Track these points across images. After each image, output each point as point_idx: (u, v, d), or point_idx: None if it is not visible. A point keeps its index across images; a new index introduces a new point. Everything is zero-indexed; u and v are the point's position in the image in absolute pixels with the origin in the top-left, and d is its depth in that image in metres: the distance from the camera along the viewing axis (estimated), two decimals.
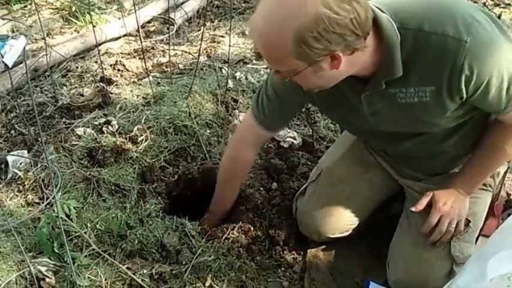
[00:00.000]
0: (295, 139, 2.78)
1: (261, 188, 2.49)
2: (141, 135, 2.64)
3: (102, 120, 2.73)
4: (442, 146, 1.83)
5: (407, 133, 1.80)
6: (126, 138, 2.62)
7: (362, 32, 1.38)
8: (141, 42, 2.96)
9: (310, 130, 2.81)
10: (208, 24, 3.96)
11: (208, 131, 2.77)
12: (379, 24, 1.46)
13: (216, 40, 3.66)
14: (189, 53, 3.45)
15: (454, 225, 1.86)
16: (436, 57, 1.48)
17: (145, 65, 3.21)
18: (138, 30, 3.24)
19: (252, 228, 2.26)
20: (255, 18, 1.40)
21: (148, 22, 4.01)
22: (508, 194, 2.33)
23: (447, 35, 1.45)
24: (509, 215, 2.12)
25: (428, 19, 1.48)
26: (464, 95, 1.53)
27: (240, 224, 2.26)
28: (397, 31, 1.47)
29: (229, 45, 2.88)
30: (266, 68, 3.30)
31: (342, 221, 2.12)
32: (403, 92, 1.58)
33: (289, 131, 2.79)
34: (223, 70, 3.25)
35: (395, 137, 1.83)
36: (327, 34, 1.34)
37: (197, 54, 3.14)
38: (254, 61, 3.42)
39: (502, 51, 1.48)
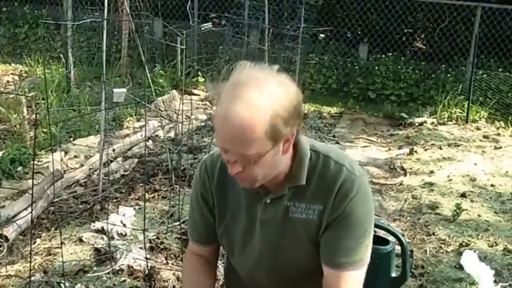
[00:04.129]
0: None
1: None
2: None
3: None
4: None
5: (276, 264, 1.83)
6: None
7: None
8: None
9: None
10: (43, 234, 3.80)
11: None
12: (297, 140, 1.69)
13: (52, 252, 3.49)
14: (20, 276, 3.23)
15: None
16: (330, 180, 1.69)
17: None
18: None
19: None
20: (231, 104, 1.51)
21: None
22: None
23: (343, 165, 1.71)
24: None
25: (333, 152, 1.76)
26: (332, 218, 1.69)
27: None
28: (308, 150, 1.73)
29: (63, 262, 2.75)
30: (108, 273, 3.19)
31: None
32: (296, 206, 1.73)
33: None
34: (61, 285, 3.08)
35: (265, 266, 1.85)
36: (295, 111, 1.57)
37: (31, 273, 2.95)
38: (95, 268, 3.29)
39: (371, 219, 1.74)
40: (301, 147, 1.72)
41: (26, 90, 7.48)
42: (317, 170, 1.72)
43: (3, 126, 6.17)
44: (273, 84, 1.54)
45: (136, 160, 5.40)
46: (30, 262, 2.89)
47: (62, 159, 5.16)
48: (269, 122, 1.51)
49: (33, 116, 6.04)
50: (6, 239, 3.70)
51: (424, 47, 11.27)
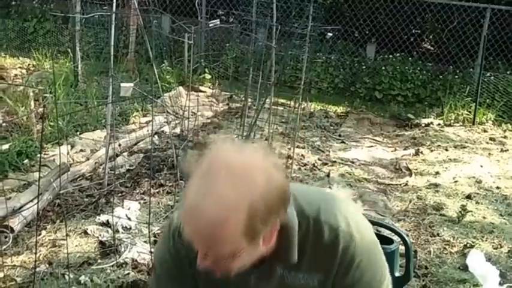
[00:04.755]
0: None
1: None
2: None
3: None
4: None
5: None
6: None
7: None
8: None
9: None
10: (49, 226, 3.81)
11: None
12: (283, 220, 1.43)
13: (57, 244, 3.51)
14: (25, 267, 3.25)
15: None
16: (328, 250, 1.48)
17: None
18: None
19: None
20: (198, 199, 1.28)
21: None
22: None
23: (338, 227, 1.48)
24: None
25: (323, 209, 1.50)
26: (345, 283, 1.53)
27: None
28: (295, 217, 1.46)
29: (67, 254, 2.76)
30: (112, 266, 3.20)
31: None
32: (291, 274, 1.53)
33: None
34: (66, 276, 3.09)
35: None
36: (278, 203, 1.32)
37: (36, 264, 2.97)
38: (99, 260, 3.30)
39: (382, 259, 1.57)
40: (287, 219, 1.44)
41: (34, 83, 7.50)
42: (310, 239, 1.49)
43: (10, 119, 6.19)
44: (252, 173, 1.29)
45: (142, 155, 5.42)
46: (36, 253, 2.91)
47: (68, 153, 5.18)
48: (244, 220, 1.27)
49: (41, 109, 6.06)
50: (12, 230, 3.71)
51: (432, 48, 11.24)
